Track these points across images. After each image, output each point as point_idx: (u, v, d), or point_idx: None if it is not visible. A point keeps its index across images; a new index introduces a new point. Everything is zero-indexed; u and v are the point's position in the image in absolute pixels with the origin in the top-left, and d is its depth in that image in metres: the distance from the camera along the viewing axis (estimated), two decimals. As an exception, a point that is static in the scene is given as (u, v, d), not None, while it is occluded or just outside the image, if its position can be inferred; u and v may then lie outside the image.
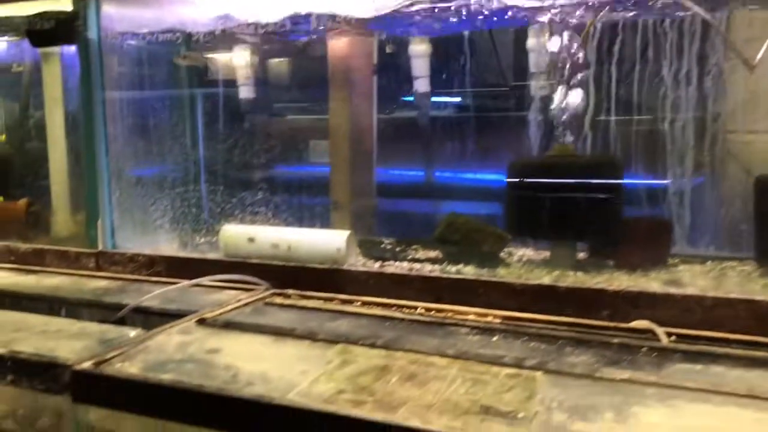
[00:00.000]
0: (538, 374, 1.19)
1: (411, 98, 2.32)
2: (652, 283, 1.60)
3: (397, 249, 1.97)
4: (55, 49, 2.35)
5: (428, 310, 1.63)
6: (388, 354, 1.31)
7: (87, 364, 1.28)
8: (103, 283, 2.02)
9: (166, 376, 1.22)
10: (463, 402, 1.09)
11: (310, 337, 1.42)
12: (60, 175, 2.37)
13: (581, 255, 1.86)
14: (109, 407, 1.25)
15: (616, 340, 1.37)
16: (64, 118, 2.38)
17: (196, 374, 1.23)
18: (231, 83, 2.47)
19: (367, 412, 1.05)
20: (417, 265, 1.83)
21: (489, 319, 1.56)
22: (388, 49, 2.33)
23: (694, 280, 1.61)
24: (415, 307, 1.65)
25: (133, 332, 1.51)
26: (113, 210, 2.17)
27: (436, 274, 1.73)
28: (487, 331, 1.47)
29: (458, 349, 1.33)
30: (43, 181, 2.39)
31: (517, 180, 1.83)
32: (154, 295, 1.74)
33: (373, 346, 1.36)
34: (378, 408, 1.07)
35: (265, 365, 1.27)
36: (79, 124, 2.26)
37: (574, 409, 1.05)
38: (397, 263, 1.86)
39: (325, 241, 1.87)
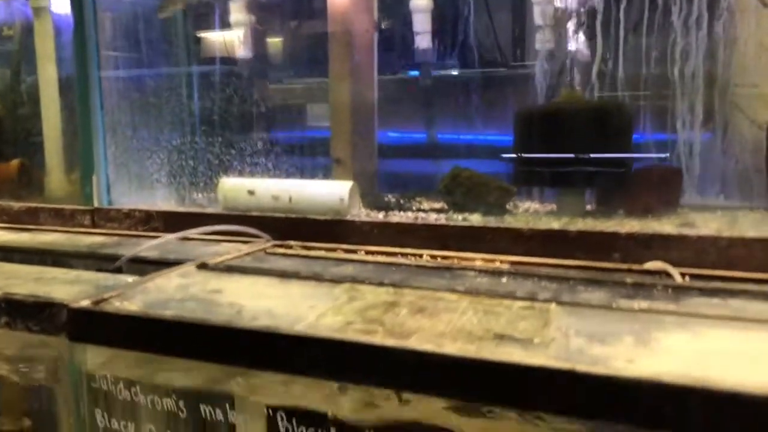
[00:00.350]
0: (553, 305, 1.16)
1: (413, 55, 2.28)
2: (664, 226, 1.56)
3: (401, 201, 1.92)
4: (46, 3, 2.29)
5: (433, 257, 1.59)
6: (396, 291, 1.27)
7: (85, 303, 1.23)
8: (99, 239, 1.97)
9: (168, 312, 1.18)
10: (476, 330, 1.05)
11: (316, 278, 1.38)
12: (54, 133, 2.32)
13: (589, 207, 1.82)
14: (108, 345, 1.21)
15: (629, 280, 1.33)
16: (57, 75, 2.32)
17: (199, 311, 1.19)
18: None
19: (378, 339, 1.01)
20: (422, 215, 1.79)
21: (497, 264, 1.52)
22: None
23: (706, 224, 1.57)
24: (421, 255, 1.60)
25: (131, 279, 1.46)
26: (108, 165, 2.12)
27: (442, 222, 1.69)
28: (496, 273, 1.43)
29: (468, 286, 1.29)
30: (37, 138, 2.33)
31: (524, 127, 1.79)
32: (152, 245, 1.69)
33: (380, 284, 1.32)
34: (389, 336, 1.03)
35: (270, 302, 1.23)
36: (72, 81, 2.20)
37: (592, 335, 1.02)
38: (402, 213, 1.82)
39: (328, 192, 1.82)
